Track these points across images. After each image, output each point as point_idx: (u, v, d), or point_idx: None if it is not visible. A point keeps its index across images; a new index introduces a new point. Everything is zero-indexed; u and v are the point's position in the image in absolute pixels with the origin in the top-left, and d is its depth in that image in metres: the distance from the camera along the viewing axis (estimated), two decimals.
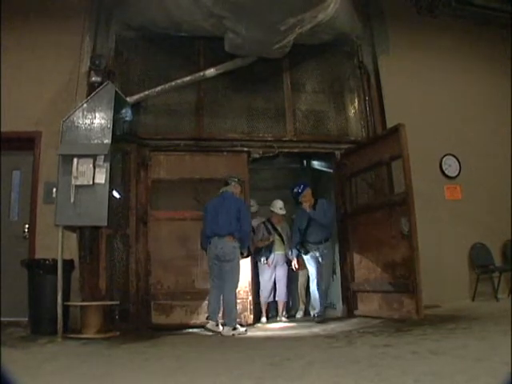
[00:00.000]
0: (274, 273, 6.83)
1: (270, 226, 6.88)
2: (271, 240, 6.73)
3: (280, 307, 6.84)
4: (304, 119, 6.84)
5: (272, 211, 6.95)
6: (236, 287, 5.34)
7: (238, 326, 5.20)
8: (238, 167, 6.35)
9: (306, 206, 6.18)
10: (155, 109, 6.46)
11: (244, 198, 6.22)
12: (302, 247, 6.14)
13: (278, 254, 6.81)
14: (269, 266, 6.73)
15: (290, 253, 6.50)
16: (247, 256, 5.69)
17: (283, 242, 6.85)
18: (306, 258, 6.16)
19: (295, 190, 6.29)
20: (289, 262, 6.64)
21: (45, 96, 5.97)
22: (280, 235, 6.87)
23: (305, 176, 8.18)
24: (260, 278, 6.77)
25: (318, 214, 6.09)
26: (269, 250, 6.73)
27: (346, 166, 6.59)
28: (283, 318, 6.70)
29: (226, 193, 5.56)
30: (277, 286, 6.83)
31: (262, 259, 6.68)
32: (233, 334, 5.05)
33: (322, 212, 6.10)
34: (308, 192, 6.24)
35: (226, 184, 5.65)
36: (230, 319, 5.18)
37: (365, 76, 7.09)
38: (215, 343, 4.58)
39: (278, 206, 6.89)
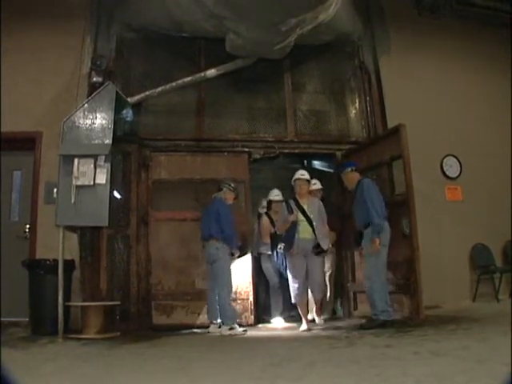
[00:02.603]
0: (304, 264, 5.31)
1: (293, 204, 5.42)
2: (291, 220, 5.27)
3: (314, 307, 5.74)
4: (305, 120, 6.85)
5: (295, 180, 5.51)
6: (226, 286, 5.30)
7: (235, 325, 5.21)
8: (239, 168, 6.36)
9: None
10: (156, 109, 6.47)
11: (244, 201, 6.26)
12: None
13: (304, 240, 5.25)
14: (291, 254, 5.28)
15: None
16: (240, 256, 5.70)
17: (310, 224, 5.31)
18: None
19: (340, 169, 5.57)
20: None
21: (45, 96, 5.99)
22: (304, 213, 5.34)
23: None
24: (288, 271, 5.48)
25: (355, 200, 5.21)
26: (291, 233, 5.28)
27: None
28: (317, 320, 5.75)
29: (216, 198, 5.56)
30: (309, 280, 5.34)
31: (279, 246, 5.30)
32: (229, 334, 5.06)
33: (358, 196, 5.16)
34: (346, 174, 5.38)
35: (220, 189, 5.62)
36: (225, 318, 5.21)
37: (366, 76, 7.10)
38: (216, 343, 4.58)
39: (300, 173, 5.56)
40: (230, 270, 5.39)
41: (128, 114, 5.76)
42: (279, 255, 5.94)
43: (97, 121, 4.95)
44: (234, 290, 5.57)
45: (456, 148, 6.92)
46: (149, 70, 6.57)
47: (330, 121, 6.93)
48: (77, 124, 4.92)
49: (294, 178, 5.53)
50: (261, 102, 6.81)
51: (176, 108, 6.54)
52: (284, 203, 5.56)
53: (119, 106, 5.25)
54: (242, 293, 6.02)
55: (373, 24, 7.21)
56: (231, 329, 5.13)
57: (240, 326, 5.33)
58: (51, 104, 5.93)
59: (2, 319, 5.08)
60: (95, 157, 4.79)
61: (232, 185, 5.63)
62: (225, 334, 5.07)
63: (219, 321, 5.30)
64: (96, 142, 4.89)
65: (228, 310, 5.23)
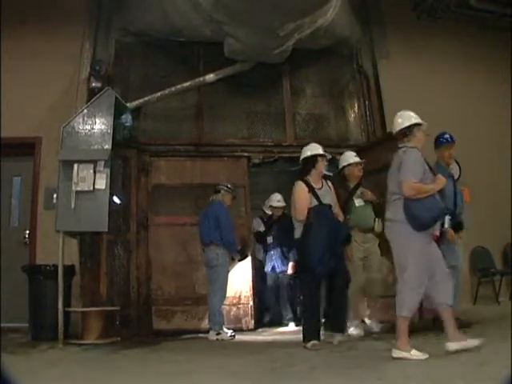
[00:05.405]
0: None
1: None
2: (445, 182, 3.53)
3: (446, 318, 3.34)
4: (304, 124, 6.85)
5: (417, 124, 3.85)
6: (220, 293, 5.29)
7: (224, 330, 5.22)
8: (238, 172, 6.35)
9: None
10: (155, 114, 6.48)
11: (244, 205, 6.27)
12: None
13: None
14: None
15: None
16: (240, 260, 5.69)
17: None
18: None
19: (439, 137, 4.80)
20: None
21: (45, 102, 6.00)
22: None
23: None
24: (409, 260, 3.29)
25: (455, 185, 4.58)
26: (438, 203, 3.42)
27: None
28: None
29: (214, 201, 5.55)
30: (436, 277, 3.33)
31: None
32: (216, 339, 5.07)
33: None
34: (453, 147, 4.68)
35: (217, 192, 5.61)
36: (213, 323, 5.23)
37: (364, 80, 7.11)
38: (216, 348, 4.57)
39: (413, 115, 4.00)
40: (226, 276, 5.38)
41: (127, 119, 5.75)
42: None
43: (96, 126, 4.95)
44: (235, 294, 5.56)
45: (455, 151, 6.91)
46: (148, 74, 6.57)
47: (329, 125, 6.94)
48: (76, 129, 4.92)
49: (407, 121, 3.97)
50: (260, 106, 6.81)
51: (175, 113, 6.55)
52: (415, 151, 3.59)
53: (118, 111, 5.25)
54: (242, 297, 6.01)
55: (371, 28, 7.22)
56: (218, 334, 5.15)
57: (229, 329, 5.31)
58: (50, 109, 5.94)
59: (2, 325, 5.05)
60: (95, 162, 4.79)
61: (229, 186, 5.62)
62: (212, 339, 5.09)
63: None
64: (95, 147, 4.90)
65: (217, 316, 5.24)
